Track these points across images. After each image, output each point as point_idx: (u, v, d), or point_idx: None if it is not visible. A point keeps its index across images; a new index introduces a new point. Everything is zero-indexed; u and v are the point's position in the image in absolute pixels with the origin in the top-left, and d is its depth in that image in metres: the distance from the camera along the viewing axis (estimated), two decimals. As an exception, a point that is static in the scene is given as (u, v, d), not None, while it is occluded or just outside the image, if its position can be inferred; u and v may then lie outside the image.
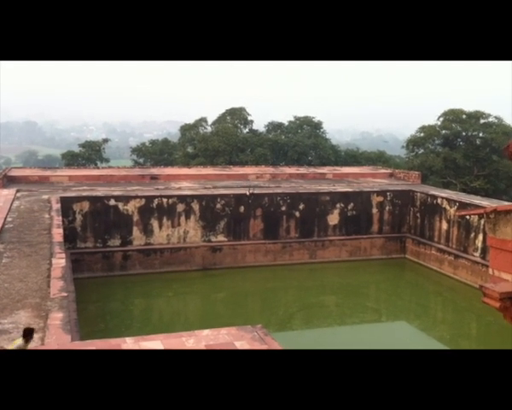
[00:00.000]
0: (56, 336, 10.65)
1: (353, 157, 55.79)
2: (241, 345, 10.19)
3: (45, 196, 26.31)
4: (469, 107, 51.03)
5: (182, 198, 28.79)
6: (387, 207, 32.46)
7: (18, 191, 27.29)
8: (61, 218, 22.08)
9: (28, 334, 9.21)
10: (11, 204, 23.85)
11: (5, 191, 27.05)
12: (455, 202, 29.72)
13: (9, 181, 30.37)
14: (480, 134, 49.56)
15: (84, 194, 27.87)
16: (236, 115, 58.98)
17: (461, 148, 49.60)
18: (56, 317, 11.68)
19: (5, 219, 20.88)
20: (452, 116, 49.88)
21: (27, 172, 34.08)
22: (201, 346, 10.07)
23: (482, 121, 49.69)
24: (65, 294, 13.18)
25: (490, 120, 49.85)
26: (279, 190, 31.33)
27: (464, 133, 49.80)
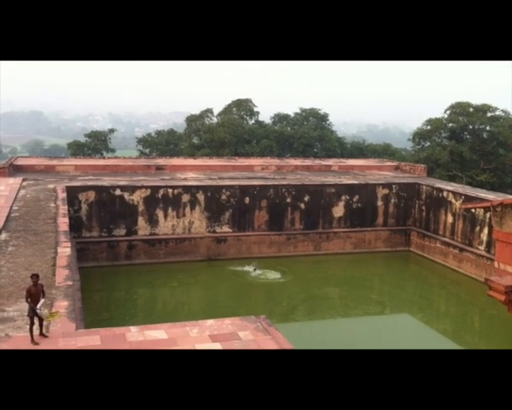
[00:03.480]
0: (61, 325, 10.71)
1: (359, 149, 55.69)
2: (245, 335, 10.23)
3: (51, 186, 26.38)
4: (476, 101, 50.84)
5: (187, 189, 28.81)
6: (393, 200, 32.40)
7: (24, 180, 27.37)
8: (66, 207, 22.16)
9: (35, 276, 9.76)
10: (17, 193, 23.94)
11: (11, 180, 27.14)
12: (460, 195, 29.63)
13: (15, 170, 30.46)
14: (487, 127, 49.36)
15: (90, 183, 27.92)
16: (242, 107, 58.90)
17: (467, 141, 49.41)
18: (61, 305, 11.74)
19: (11, 207, 20.97)
20: (459, 109, 49.64)
21: (33, 161, 34.14)
22: (205, 336, 10.12)
23: (489, 115, 49.47)
24: (70, 282, 13.25)
25: (497, 113, 49.66)
26: (284, 182, 31.31)
27: (471, 126, 49.57)
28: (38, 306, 9.65)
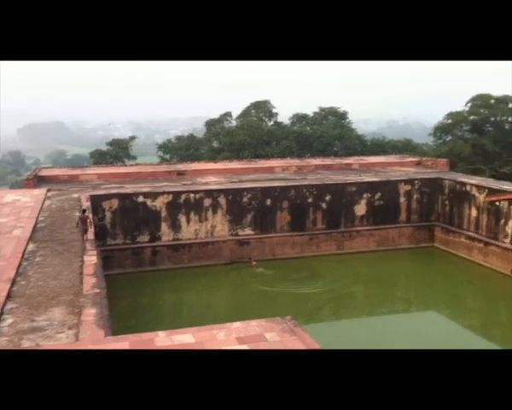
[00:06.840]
0: (90, 332, 10.88)
1: (380, 146, 55.31)
2: (271, 337, 10.27)
3: (75, 195, 26.74)
4: (497, 93, 50.16)
5: (208, 193, 28.99)
6: (415, 196, 32.17)
7: (48, 191, 27.80)
8: (91, 215, 22.42)
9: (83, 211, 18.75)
10: (42, 204, 24.33)
11: (36, 191, 27.59)
12: (484, 188, 29.30)
13: (40, 181, 30.96)
14: (509, 119, 48.71)
15: (113, 191, 28.26)
16: (261, 108, 59.03)
17: (489, 133, 48.77)
18: (90, 313, 11.92)
19: (37, 218, 21.33)
20: (480, 101, 49.05)
21: (57, 171, 34.66)
22: (232, 338, 10.19)
23: (511, 106, 48.77)
24: (97, 290, 13.43)
25: (519, 104, 48.92)
26: (305, 182, 31.31)
27: (493, 118, 48.94)
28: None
